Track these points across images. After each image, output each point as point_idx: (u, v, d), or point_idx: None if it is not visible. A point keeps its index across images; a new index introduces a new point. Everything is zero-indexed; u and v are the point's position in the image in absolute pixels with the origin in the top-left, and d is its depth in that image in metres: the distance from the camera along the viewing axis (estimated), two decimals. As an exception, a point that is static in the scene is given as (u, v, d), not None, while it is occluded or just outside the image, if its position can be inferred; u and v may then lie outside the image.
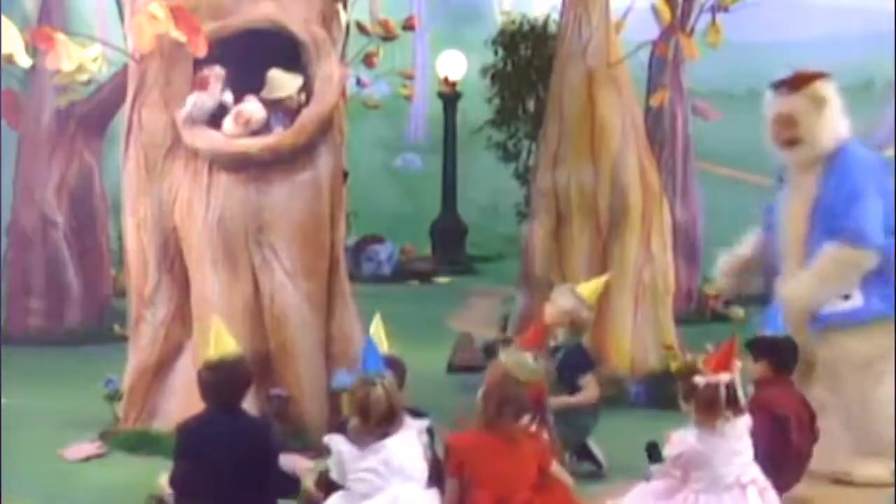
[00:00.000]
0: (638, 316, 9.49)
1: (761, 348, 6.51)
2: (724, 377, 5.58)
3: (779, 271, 7.43)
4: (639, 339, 9.44)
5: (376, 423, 5.16)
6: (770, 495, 5.57)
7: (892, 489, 6.70)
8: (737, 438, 5.56)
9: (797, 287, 7.12)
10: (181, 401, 7.24)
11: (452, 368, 10.32)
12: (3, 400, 8.29)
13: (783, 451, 6.10)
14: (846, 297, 7.09)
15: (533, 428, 5.95)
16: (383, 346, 5.98)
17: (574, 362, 7.20)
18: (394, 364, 5.78)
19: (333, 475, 5.31)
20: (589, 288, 7.49)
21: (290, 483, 5.84)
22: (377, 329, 6.11)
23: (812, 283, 7.09)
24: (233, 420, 5.67)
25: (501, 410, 5.32)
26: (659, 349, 9.38)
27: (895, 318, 7.01)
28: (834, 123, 7.40)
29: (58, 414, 8.44)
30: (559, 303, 7.34)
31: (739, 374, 5.70)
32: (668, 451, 5.64)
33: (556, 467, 5.57)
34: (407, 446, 5.22)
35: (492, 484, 5.22)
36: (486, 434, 5.33)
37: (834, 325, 7.06)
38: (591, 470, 7.14)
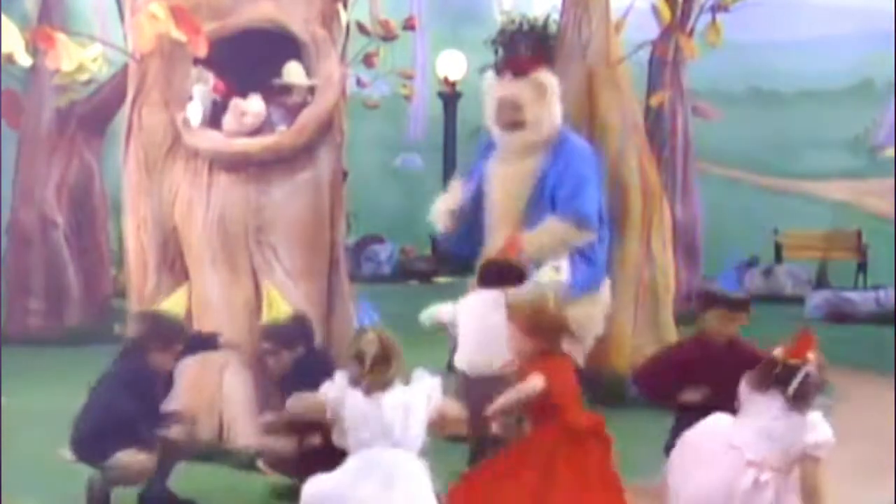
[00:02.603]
0: (638, 316, 9.48)
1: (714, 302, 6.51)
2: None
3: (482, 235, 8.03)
4: (639, 339, 9.44)
5: (370, 366, 5.19)
6: None
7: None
8: None
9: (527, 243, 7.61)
10: (181, 400, 7.23)
11: (452, 368, 10.31)
12: (3, 400, 8.28)
13: None
14: (556, 269, 7.49)
15: None
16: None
17: None
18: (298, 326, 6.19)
19: (329, 413, 5.34)
20: (543, 274, 7.45)
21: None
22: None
23: (528, 241, 7.61)
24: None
25: (552, 330, 5.37)
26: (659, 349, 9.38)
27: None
28: (554, 110, 8.07)
29: (58, 414, 8.40)
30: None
31: None
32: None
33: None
34: (405, 403, 5.20)
35: (568, 396, 5.29)
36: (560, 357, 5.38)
37: None
38: None
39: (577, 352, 7.75)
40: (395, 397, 5.20)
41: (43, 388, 9.43)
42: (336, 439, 5.32)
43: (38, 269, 12.60)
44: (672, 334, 9.59)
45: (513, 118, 8.00)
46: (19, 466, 7.05)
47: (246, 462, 6.78)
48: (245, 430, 7.24)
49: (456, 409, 5.34)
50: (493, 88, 8.27)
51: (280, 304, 6.66)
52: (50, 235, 12.64)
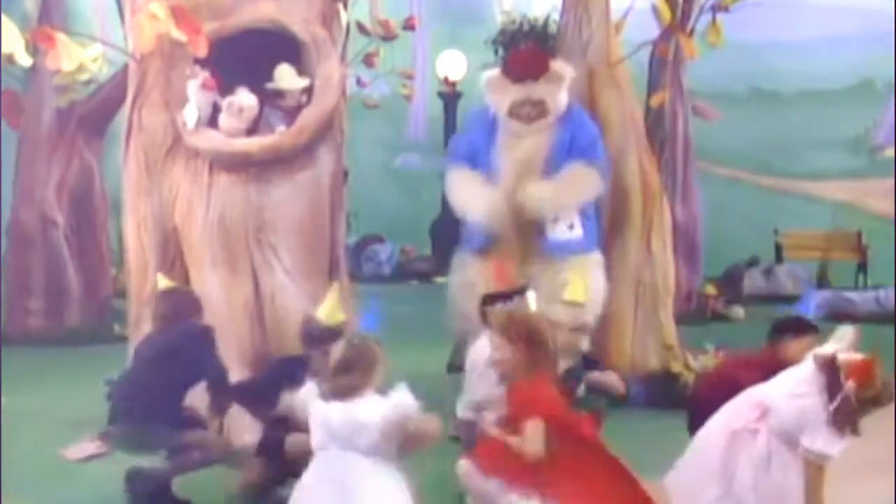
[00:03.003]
0: (638, 316, 9.48)
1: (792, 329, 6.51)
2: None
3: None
4: (639, 339, 9.43)
5: (333, 371, 5.33)
6: None
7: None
8: None
9: (539, 190, 8.00)
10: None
11: (452, 368, 10.31)
12: (3, 400, 8.28)
13: None
14: (571, 226, 8.07)
15: None
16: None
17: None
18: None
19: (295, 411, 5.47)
20: (570, 290, 7.52)
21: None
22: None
23: (553, 189, 7.98)
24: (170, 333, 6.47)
25: (538, 345, 5.47)
26: (659, 349, 9.38)
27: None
28: (565, 92, 8.42)
29: (58, 414, 8.44)
30: (562, 319, 7.39)
31: None
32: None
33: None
34: (353, 414, 5.18)
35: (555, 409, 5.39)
36: (540, 378, 5.45)
37: (556, 253, 7.94)
38: None
39: (580, 333, 7.83)
40: (345, 409, 5.19)
41: (43, 388, 9.44)
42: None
43: (39, 269, 12.59)
44: (672, 334, 9.59)
45: (534, 114, 8.29)
46: (19, 466, 7.05)
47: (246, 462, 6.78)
48: (245, 431, 7.24)
49: (433, 425, 5.33)
50: (508, 90, 8.47)
51: (337, 312, 6.72)
52: (50, 235, 12.63)
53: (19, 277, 12.65)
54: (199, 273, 7.64)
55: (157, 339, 6.59)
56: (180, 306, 6.67)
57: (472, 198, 8.41)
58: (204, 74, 7.62)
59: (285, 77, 7.82)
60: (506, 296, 6.91)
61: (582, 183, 8.18)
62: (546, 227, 8.19)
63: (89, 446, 7.56)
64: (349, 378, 5.23)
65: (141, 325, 7.86)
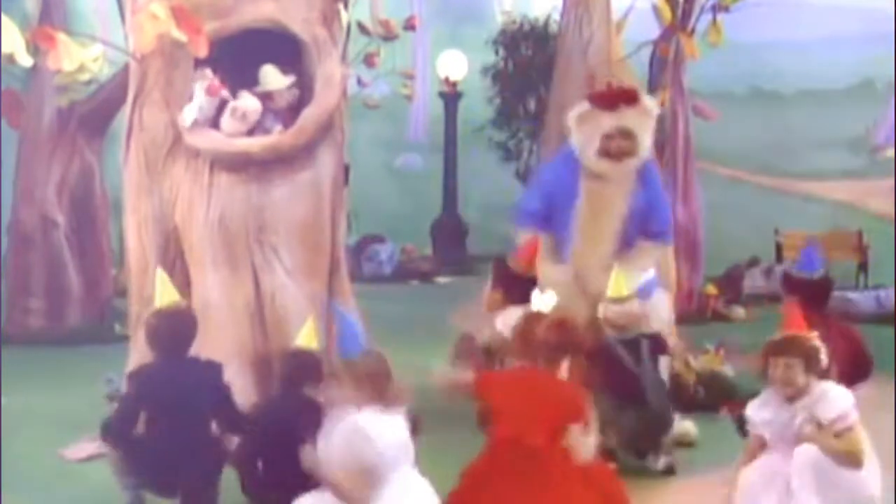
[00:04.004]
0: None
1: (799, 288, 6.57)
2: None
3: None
4: (639, 339, 9.42)
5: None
6: None
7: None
8: None
9: (619, 281, 7.60)
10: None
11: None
12: (3, 400, 8.28)
13: None
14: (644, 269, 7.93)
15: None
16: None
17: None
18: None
19: None
20: (614, 286, 7.46)
21: (244, 421, 6.19)
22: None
23: (632, 276, 7.68)
24: (181, 365, 6.11)
25: (518, 348, 5.46)
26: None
27: None
28: (650, 134, 8.13)
29: (58, 414, 8.44)
30: (611, 316, 7.36)
31: None
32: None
33: (576, 430, 5.41)
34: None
35: (512, 420, 5.28)
36: (517, 373, 5.46)
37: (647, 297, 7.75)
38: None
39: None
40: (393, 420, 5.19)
41: (43, 388, 9.43)
42: None
43: (39, 269, 12.60)
44: (673, 335, 9.58)
45: (625, 148, 7.96)
46: (19, 466, 7.05)
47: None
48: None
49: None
50: (600, 120, 8.06)
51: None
52: (50, 235, 12.63)
53: (19, 277, 12.65)
54: (199, 273, 7.64)
55: (163, 377, 6.16)
56: (180, 330, 6.31)
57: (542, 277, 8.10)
58: (212, 79, 7.62)
59: (269, 78, 7.81)
60: (519, 280, 6.93)
61: (648, 262, 8.07)
62: None
63: (89, 446, 7.56)
64: (393, 384, 5.25)
65: (141, 326, 7.86)
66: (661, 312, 8.04)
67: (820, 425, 5.36)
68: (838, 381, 5.71)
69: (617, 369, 7.10)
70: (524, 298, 6.92)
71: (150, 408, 6.03)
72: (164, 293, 6.40)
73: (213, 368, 6.25)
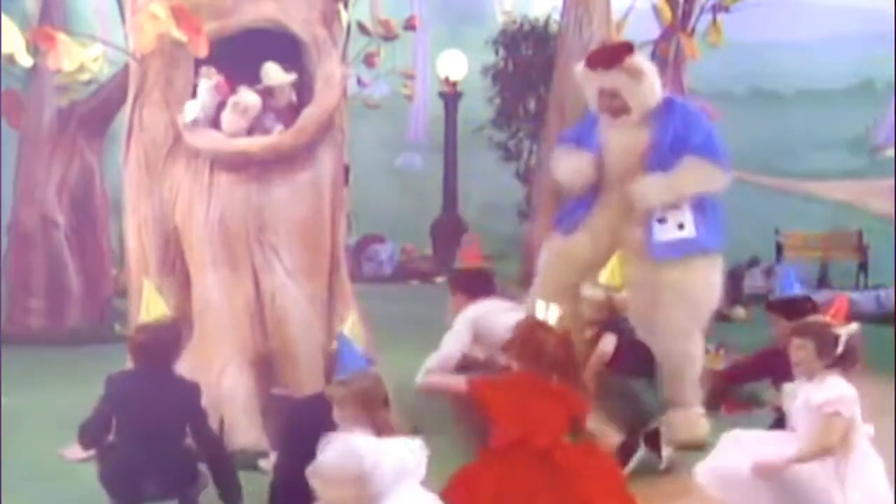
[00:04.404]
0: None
1: (780, 309, 6.68)
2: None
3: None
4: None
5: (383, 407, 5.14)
6: None
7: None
8: None
9: (653, 186, 7.60)
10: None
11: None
12: (3, 400, 8.28)
13: None
14: (681, 226, 7.60)
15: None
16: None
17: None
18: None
19: None
20: (607, 273, 7.45)
21: (216, 445, 6.16)
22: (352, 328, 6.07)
23: (670, 184, 7.57)
24: (161, 381, 6.03)
25: (530, 350, 5.44)
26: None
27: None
28: (654, 88, 7.89)
29: (58, 414, 8.42)
30: (594, 298, 7.32)
31: None
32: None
33: (594, 424, 5.58)
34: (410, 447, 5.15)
35: (515, 423, 5.30)
36: (521, 376, 5.44)
37: (662, 255, 7.56)
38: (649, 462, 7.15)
39: (690, 331, 7.72)
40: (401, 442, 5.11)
41: (43, 388, 9.43)
42: None
43: (39, 269, 12.59)
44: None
45: (615, 105, 7.91)
46: (19, 466, 7.05)
47: (247, 462, 6.78)
48: (247, 430, 7.24)
49: None
50: (588, 79, 8.09)
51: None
52: (50, 235, 12.63)
53: (20, 277, 12.65)
54: (199, 273, 7.64)
55: (140, 388, 6.08)
56: (165, 346, 6.18)
57: (566, 162, 8.15)
58: (218, 78, 7.63)
59: (271, 74, 7.81)
60: (470, 274, 6.94)
61: (697, 175, 7.64)
62: (652, 227, 7.73)
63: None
64: (387, 411, 5.15)
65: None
66: (695, 287, 7.66)
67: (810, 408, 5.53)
68: None
69: (629, 344, 7.12)
70: (485, 290, 6.99)
71: (121, 416, 5.97)
72: (152, 306, 6.30)
73: (193, 389, 6.16)
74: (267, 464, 6.89)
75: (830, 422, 5.48)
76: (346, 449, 4.93)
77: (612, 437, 5.80)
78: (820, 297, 14.60)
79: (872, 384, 8.64)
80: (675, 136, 7.73)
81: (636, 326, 7.40)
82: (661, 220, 7.66)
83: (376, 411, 5.06)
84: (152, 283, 6.54)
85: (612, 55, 8.09)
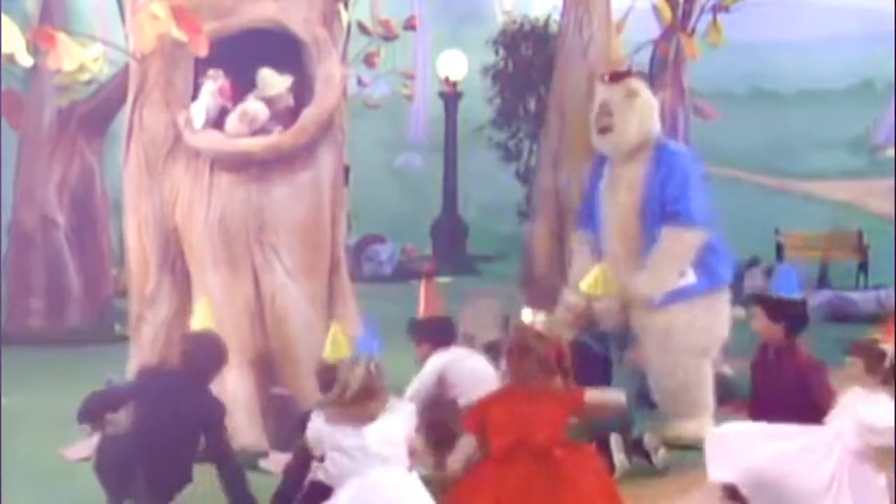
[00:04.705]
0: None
1: (781, 311, 6.60)
2: None
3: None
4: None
5: (351, 399, 5.23)
6: None
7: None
8: None
9: (648, 282, 7.75)
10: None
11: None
12: (3, 400, 8.27)
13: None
14: (682, 274, 7.79)
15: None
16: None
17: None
18: None
19: (312, 448, 5.40)
20: (589, 282, 7.50)
21: (232, 461, 6.11)
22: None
23: (662, 269, 7.77)
24: (192, 389, 6.04)
25: (524, 362, 5.47)
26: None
27: None
28: (644, 117, 8.10)
29: (58, 414, 8.40)
30: (574, 306, 7.39)
31: None
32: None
33: (591, 395, 5.66)
34: (387, 432, 5.25)
35: (510, 428, 5.35)
36: (509, 386, 5.53)
37: (667, 303, 7.75)
38: (644, 466, 7.19)
39: (700, 364, 7.88)
40: (378, 429, 5.24)
41: (43, 388, 9.43)
42: (321, 475, 5.42)
43: (39, 269, 12.60)
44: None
45: (603, 123, 8.10)
46: (19, 466, 7.05)
47: (248, 462, 6.77)
48: (247, 430, 7.24)
49: (419, 444, 5.50)
50: (596, 92, 8.37)
51: (343, 346, 6.34)
52: (51, 235, 12.63)
53: (20, 277, 12.66)
54: (199, 273, 7.63)
55: (168, 391, 6.11)
56: (206, 356, 6.22)
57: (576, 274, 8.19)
58: (224, 81, 7.63)
59: (268, 82, 7.79)
60: (432, 323, 6.95)
61: (678, 250, 7.82)
62: None
63: (89, 446, 7.55)
64: (374, 404, 5.26)
65: (142, 325, 7.87)
66: (702, 327, 7.90)
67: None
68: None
69: (590, 360, 7.15)
70: (447, 338, 7.05)
71: (140, 408, 6.00)
72: (200, 319, 6.45)
73: (219, 406, 6.18)
74: (267, 464, 6.90)
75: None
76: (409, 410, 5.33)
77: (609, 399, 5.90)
78: (820, 297, 14.73)
79: (872, 384, 8.64)
80: (660, 188, 7.91)
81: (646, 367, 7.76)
82: None
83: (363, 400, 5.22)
84: (204, 300, 6.63)
85: (621, 73, 8.37)
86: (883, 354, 5.76)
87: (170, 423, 5.91)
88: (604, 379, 7.15)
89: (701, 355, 7.92)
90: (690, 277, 7.79)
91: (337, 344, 6.19)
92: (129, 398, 6.09)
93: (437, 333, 7.06)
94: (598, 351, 7.37)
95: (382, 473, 5.20)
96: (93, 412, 6.10)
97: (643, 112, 8.13)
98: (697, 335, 7.87)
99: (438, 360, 6.93)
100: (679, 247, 7.81)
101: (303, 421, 5.67)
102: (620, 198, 8.02)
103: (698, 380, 7.90)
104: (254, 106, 7.67)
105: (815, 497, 5.71)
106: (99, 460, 6.06)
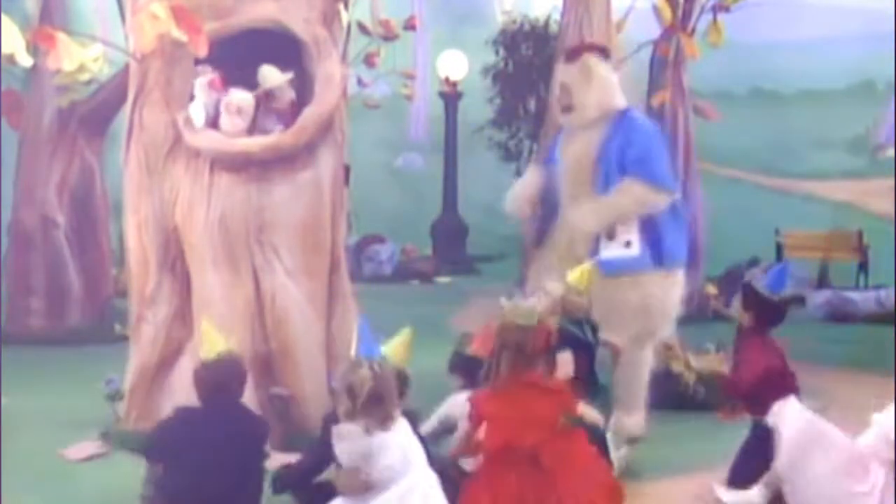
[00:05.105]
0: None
1: (754, 301, 6.66)
2: None
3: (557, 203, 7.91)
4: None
5: (362, 405, 5.07)
6: None
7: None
8: None
9: (589, 212, 7.62)
10: (182, 400, 7.22)
11: (453, 369, 10.28)
12: (3, 400, 8.28)
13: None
14: (627, 244, 7.63)
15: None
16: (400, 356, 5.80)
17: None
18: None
19: (345, 463, 5.22)
20: (576, 274, 7.47)
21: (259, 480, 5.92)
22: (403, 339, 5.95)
23: (603, 209, 7.60)
24: (227, 414, 5.85)
25: (502, 356, 5.42)
26: (659, 349, 9.35)
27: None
28: (603, 93, 7.91)
29: (58, 414, 8.44)
30: (552, 292, 7.33)
31: None
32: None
33: (583, 408, 5.62)
34: (410, 436, 5.23)
35: (500, 428, 5.32)
36: (500, 386, 5.44)
37: (609, 271, 7.51)
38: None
39: (642, 341, 7.78)
40: (404, 428, 5.18)
41: (43, 388, 9.43)
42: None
43: (39, 269, 12.60)
44: (672, 334, 9.57)
45: (563, 102, 8.00)
46: (19, 466, 7.05)
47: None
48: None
49: None
50: (557, 74, 8.28)
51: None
52: (51, 235, 12.64)
53: (20, 277, 12.66)
54: (199, 273, 7.64)
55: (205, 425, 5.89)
56: (227, 380, 6.00)
57: (513, 189, 8.23)
58: (212, 74, 7.62)
59: (268, 76, 7.80)
60: (474, 363, 6.87)
61: (633, 198, 7.68)
62: (600, 243, 7.75)
63: (89, 446, 7.57)
64: (384, 407, 5.11)
65: (142, 325, 7.87)
66: (645, 303, 7.72)
67: None
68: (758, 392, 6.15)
69: (574, 344, 7.13)
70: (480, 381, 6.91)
71: (184, 450, 5.75)
72: (211, 343, 6.05)
73: (263, 425, 6.06)
74: (267, 464, 6.89)
75: None
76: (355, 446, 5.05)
77: (597, 417, 5.88)
78: (820, 296, 14.73)
79: (872, 384, 8.67)
80: (619, 151, 7.78)
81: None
82: (610, 237, 7.72)
83: (382, 404, 5.11)
84: (208, 321, 6.30)
85: (576, 50, 8.24)
86: None
87: (215, 455, 5.69)
88: (589, 363, 7.13)
89: (644, 333, 7.76)
90: (634, 249, 7.66)
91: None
92: (171, 443, 5.86)
93: (475, 372, 6.92)
94: (580, 336, 7.31)
95: (419, 477, 5.17)
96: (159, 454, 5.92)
97: (602, 87, 7.99)
98: (642, 311, 7.69)
99: (459, 399, 6.83)
100: (629, 196, 7.67)
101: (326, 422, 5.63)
102: (578, 157, 7.91)
103: (636, 359, 7.73)
104: (235, 96, 7.66)
105: None
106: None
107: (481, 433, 5.46)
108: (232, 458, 5.72)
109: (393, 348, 5.85)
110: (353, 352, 5.51)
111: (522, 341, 5.46)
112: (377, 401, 5.09)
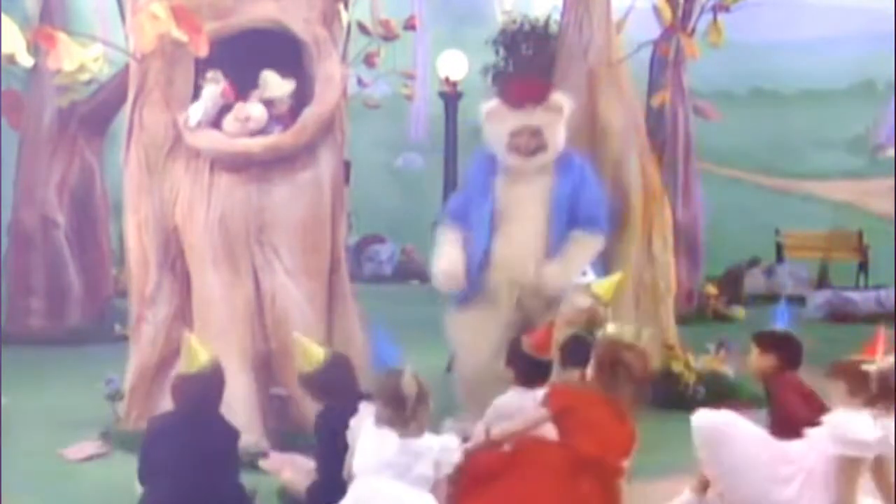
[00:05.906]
0: (638, 316, 9.45)
1: (771, 343, 6.57)
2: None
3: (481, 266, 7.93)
4: (639, 339, 9.41)
5: (412, 408, 5.16)
6: None
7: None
8: None
9: (557, 273, 7.77)
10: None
11: (452, 369, 10.29)
12: (3, 400, 8.28)
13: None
14: (584, 273, 7.86)
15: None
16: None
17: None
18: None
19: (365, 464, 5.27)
20: (604, 286, 7.51)
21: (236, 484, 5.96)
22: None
23: (568, 267, 7.82)
24: (203, 423, 5.86)
25: (615, 372, 5.48)
26: (659, 349, 9.36)
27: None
28: (563, 128, 8.06)
29: (58, 414, 8.44)
30: (577, 302, 7.38)
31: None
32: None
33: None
34: (410, 447, 5.22)
35: (595, 436, 5.35)
36: (597, 394, 5.48)
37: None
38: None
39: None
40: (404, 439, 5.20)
41: (43, 388, 9.43)
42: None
43: (39, 269, 12.61)
44: (673, 334, 9.58)
45: (533, 144, 7.95)
46: (19, 466, 7.05)
47: (248, 462, 6.78)
48: (247, 430, 7.23)
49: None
50: (506, 118, 8.02)
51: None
52: (51, 235, 12.64)
53: (20, 277, 12.66)
54: (199, 273, 7.64)
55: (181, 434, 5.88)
56: (207, 395, 5.98)
57: (438, 258, 8.06)
58: (225, 83, 7.63)
59: (271, 85, 7.79)
60: (533, 360, 6.77)
61: (586, 252, 7.96)
62: None
63: (89, 446, 7.57)
64: (428, 409, 5.22)
65: (142, 325, 7.87)
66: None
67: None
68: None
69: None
70: (533, 381, 6.65)
71: (162, 457, 5.78)
72: (193, 358, 5.98)
73: (234, 435, 6.05)
74: (267, 464, 6.89)
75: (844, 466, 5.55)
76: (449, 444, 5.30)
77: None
78: (820, 297, 14.73)
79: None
80: (570, 201, 7.94)
81: None
82: None
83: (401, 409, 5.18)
84: (192, 336, 6.19)
85: (539, 89, 8.19)
86: (866, 375, 5.61)
87: (192, 464, 5.70)
88: None
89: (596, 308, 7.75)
90: (590, 276, 7.85)
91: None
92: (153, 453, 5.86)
93: (530, 371, 6.86)
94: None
95: (395, 486, 5.18)
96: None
97: (562, 124, 8.04)
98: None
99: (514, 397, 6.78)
100: (587, 249, 7.95)
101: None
102: (530, 208, 7.94)
103: None
104: (251, 108, 7.67)
105: None
106: None
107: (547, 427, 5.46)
108: (209, 467, 5.73)
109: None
110: (365, 357, 5.56)
111: (630, 358, 5.53)
112: (424, 403, 5.20)
